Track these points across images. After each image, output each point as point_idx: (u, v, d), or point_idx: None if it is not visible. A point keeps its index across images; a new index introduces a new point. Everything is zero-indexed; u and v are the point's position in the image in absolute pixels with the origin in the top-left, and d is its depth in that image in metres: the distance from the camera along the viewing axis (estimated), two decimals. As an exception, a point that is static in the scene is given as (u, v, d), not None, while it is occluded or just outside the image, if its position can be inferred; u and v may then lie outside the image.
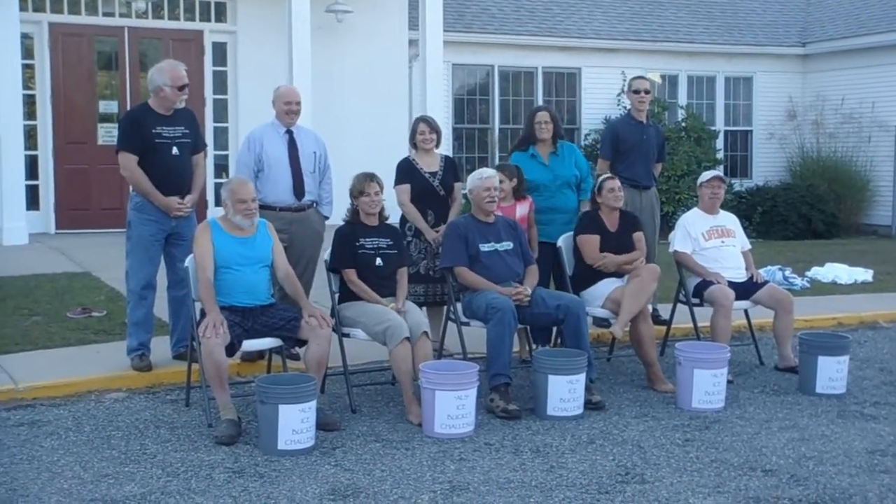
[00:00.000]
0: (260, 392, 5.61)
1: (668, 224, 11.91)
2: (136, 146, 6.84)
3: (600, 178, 7.53)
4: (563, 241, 7.54)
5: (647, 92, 8.74)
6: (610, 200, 7.40)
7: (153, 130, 6.83)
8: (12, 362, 7.10)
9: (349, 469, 5.33)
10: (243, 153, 7.29)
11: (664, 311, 8.37)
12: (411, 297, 7.04)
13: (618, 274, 7.30)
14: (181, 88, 6.87)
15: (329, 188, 7.49)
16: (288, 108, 7.25)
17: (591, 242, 7.33)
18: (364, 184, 6.63)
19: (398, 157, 7.72)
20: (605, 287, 7.21)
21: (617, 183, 7.47)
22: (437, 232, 7.37)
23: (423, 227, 7.43)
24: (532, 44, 16.95)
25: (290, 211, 7.19)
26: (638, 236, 7.50)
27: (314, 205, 7.37)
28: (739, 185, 17.68)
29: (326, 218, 7.50)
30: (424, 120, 7.74)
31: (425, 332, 6.38)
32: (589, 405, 6.43)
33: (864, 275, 11.60)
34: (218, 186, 13.34)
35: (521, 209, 7.49)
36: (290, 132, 7.29)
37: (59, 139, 13.75)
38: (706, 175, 7.92)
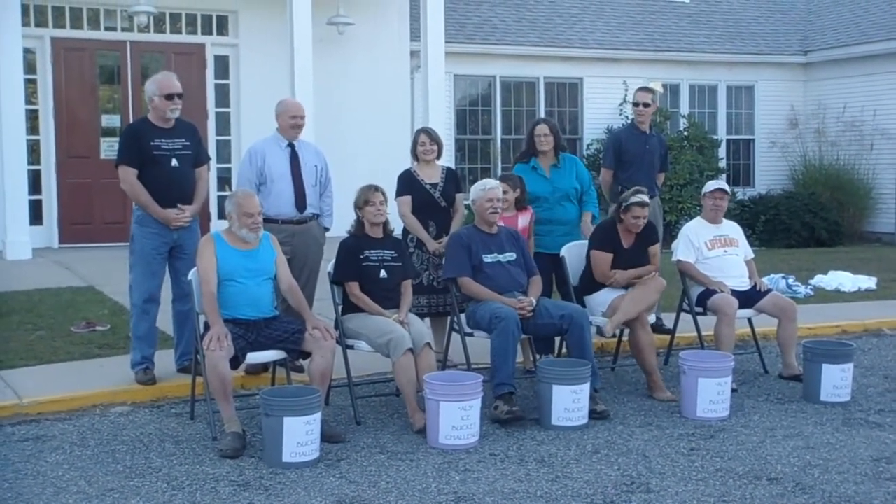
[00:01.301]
0: (264, 405, 5.61)
1: (671, 233, 11.92)
2: (135, 159, 6.86)
3: (630, 200, 7.24)
4: (566, 251, 7.53)
5: (646, 105, 8.75)
6: (631, 225, 7.28)
7: (151, 143, 6.85)
8: (17, 377, 7.10)
9: (354, 481, 5.33)
10: (245, 167, 7.30)
11: (668, 320, 8.37)
12: (415, 308, 7.04)
13: (627, 285, 7.27)
14: (169, 97, 6.86)
15: (330, 201, 7.51)
16: (294, 122, 7.26)
17: (603, 261, 7.27)
18: (369, 193, 6.65)
19: (400, 169, 7.73)
20: (609, 294, 7.21)
21: (645, 211, 7.26)
22: (438, 243, 7.38)
23: (424, 238, 7.44)
24: (534, 54, 16.98)
25: (292, 223, 7.20)
26: (653, 251, 7.45)
27: (315, 217, 7.38)
28: (742, 193, 17.67)
29: (327, 230, 7.51)
30: (425, 131, 7.76)
31: (428, 344, 6.38)
32: (593, 415, 6.43)
33: (868, 282, 11.59)
34: (221, 199, 13.44)
35: (523, 220, 7.49)
36: (291, 145, 7.30)
37: (62, 153, 13.77)
38: (710, 185, 7.92)
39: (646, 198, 7.34)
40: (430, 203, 7.53)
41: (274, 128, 7.36)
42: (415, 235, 7.49)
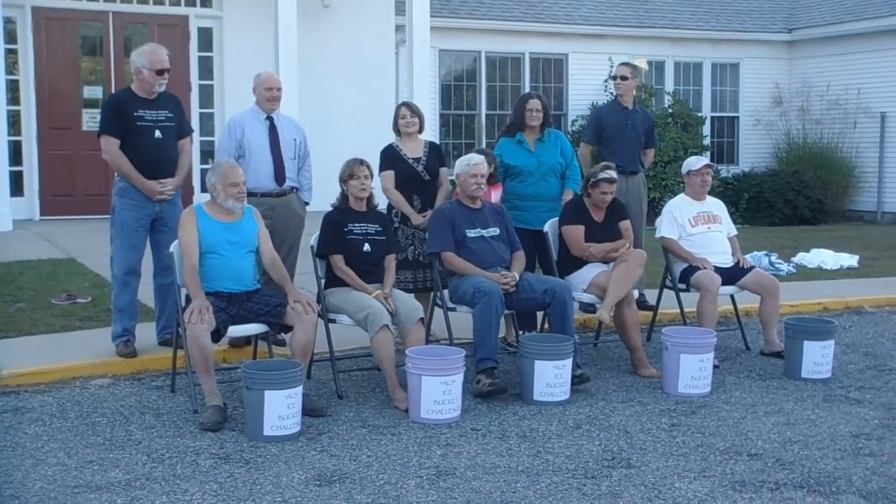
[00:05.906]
0: (246, 378, 5.59)
1: (654, 210, 11.92)
2: (117, 129, 6.80)
3: (599, 175, 7.30)
4: (549, 227, 7.53)
5: (623, 78, 8.76)
6: (599, 200, 7.33)
7: (134, 113, 6.80)
8: (-4, 349, 7.07)
9: (335, 455, 5.33)
10: (224, 139, 7.29)
11: (651, 296, 8.38)
12: (400, 283, 7.02)
13: (604, 259, 7.29)
14: (160, 73, 6.81)
15: (309, 175, 7.49)
16: (270, 95, 7.23)
17: (576, 233, 7.30)
18: (354, 167, 6.63)
19: (385, 143, 7.69)
20: (590, 272, 7.21)
21: (613, 187, 7.33)
22: (423, 217, 7.35)
23: (408, 212, 7.41)
24: (519, 29, 16.92)
25: (272, 196, 7.17)
26: (625, 225, 7.47)
27: (294, 190, 7.36)
28: (726, 171, 17.72)
29: (307, 203, 7.48)
30: (406, 104, 7.75)
31: (421, 319, 6.39)
32: (574, 380, 6.41)
33: (850, 260, 11.64)
34: (204, 172, 13.35)
35: (496, 195, 7.47)
36: (270, 118, 7.27)
37: (43, 125, 13.66)
38: (695, 163, 7.87)
39: (614, 174, 7.37)
40: (413, 177, 7.49)
41: (253, 101, 7.33)
42: (399, 210, 7.47)
